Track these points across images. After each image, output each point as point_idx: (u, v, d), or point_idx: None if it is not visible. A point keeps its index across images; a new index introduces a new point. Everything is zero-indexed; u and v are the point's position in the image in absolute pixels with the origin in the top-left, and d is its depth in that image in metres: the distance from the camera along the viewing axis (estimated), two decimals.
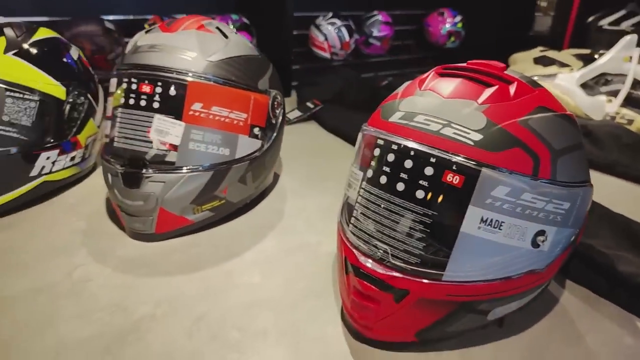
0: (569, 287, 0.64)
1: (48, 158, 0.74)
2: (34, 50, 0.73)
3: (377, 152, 0.51)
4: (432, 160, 0.46)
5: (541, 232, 0.48)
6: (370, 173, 0.51)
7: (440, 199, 0.46)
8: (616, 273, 0.61)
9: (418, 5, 3.32)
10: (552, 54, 1.78)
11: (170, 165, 0.66)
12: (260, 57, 0.76)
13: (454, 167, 0.45)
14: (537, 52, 1.84)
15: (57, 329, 0.53)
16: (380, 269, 0.48)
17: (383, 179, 0.49)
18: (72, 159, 0.79)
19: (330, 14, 2.77)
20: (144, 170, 0.66)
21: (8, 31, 0.72)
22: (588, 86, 1.41)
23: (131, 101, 0.66)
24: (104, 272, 0.63)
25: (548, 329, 0.56)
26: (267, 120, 0.74)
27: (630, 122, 1.27)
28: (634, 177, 0.96)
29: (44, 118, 0.73)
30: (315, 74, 2.98)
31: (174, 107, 0.65)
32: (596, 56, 1.53)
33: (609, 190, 0.83)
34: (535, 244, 0.48)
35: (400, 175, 0.48)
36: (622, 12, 3.31)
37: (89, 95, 0.80)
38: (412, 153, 0.47)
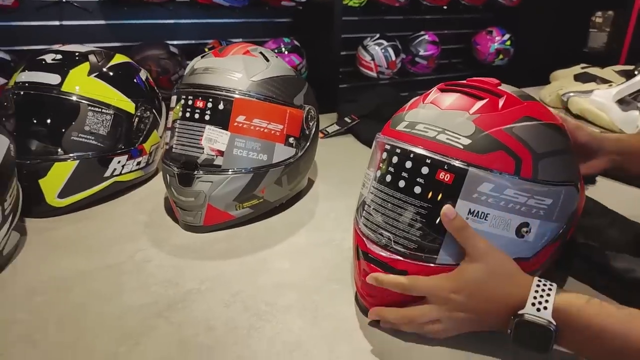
0: (571, 283, 0.69)
1: (119, 162, 0.89)
2: (111, 73, 0.88)
3: (384, 155, 0.60)
4: (428, 161, 0.55)
5: (525, 224, 0.55)
6: (378, 173, 0.61)
7: (433, 194, 0.55)
8: (612, 269, 0.66)
9: (467, 25, 3.38)
10: (594, 70, 1.79)
11: (217, 168, 0.78)
12: (297, 77, 0.88)
13: (445, 167, 0.54)
14: (578, 68, 1.85)
15: (121, 297, 0.66)
16: (384, 253, 0.58)
17: (388, 178, 0.59)
18: (139, 163, 0.93)
19: (377, 35, 2.89)
20: (195, 172, 0.78)
21: (91, 57, 0.87)
22: (625, 102, 1.43)
23: (187, 114, 0.79)
24: (160, 256, 0.75)
25: None
26: (301, 131, 0.85)
27: None
28: None
29: (117, 128, 0.87)
30: (359, 92, 3.09)
31: (221, 119, 0.78)
32: (636, 72, 1.54)
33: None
34: (519, 234, 0.55)
35: (402, 174, 0.57)
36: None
37: (153, 110, 0.95)
38: (411, 155, 0.56)
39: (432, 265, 0.56)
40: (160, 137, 0.99)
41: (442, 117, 0.58)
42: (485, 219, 0.54)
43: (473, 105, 0.58)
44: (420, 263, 0.56)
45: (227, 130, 0.78)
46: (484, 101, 0.58)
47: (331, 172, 1.07)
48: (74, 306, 0.64)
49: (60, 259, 0.74)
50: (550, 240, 0.58)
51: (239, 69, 0.80)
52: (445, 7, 3.02)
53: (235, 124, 0.78)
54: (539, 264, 0.59)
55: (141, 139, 0.93)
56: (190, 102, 0.80)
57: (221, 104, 0.78)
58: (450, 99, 0.59)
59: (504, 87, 0.61)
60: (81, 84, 0.84)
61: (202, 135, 0.78)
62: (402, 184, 0.57)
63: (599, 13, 3.67)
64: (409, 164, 0.57)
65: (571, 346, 0.51)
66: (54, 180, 0.82)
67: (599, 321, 0.48)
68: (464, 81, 0.63)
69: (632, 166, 0.75)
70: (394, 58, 2.86)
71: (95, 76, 0.86)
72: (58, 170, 0.82)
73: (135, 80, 0.93)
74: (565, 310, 0.49)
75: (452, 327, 0.56)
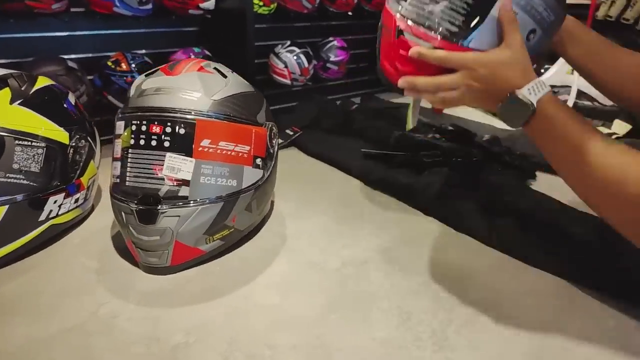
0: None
1: (55, 202, 0.76)
2: (37, 99, 0.75)
3: None
4: None
5: (533, 30, 0.63)
6: None
7: None
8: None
9: (371, 30, 3.47)
10: None
11: (183, 199, 0.70)
12: (256, 93, 0.81)
13: None
14: None
15: None
16: (428, 32, 0.61)
17: None
18: (76, 201, 0.81)
19: (288, 42, 2.86)
20: (158, 207, 0.69)
21: (12, 82, 0.74)
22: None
23: (141, 142, 0.70)
24: (128, 307, 0.65)
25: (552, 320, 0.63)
26: (266, 151, 0.79)
27: None
28: None
29: (50, 163, 0.75)
30: (278, 100, 3.05)
31: (184, 145, 0.70)
32: (542, 70, 1.67)
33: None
34: (527, 38, 0.63)
35: None
36: None
37: (88, 138, 0.83)
38: None
39: (465, 47, 0.60)
40: (97, 168, 0.87)
41: None
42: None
43: None
44: (455, 44, 0.61)
45: (191, 156, 0.70)
46: None
47: (286, 188, 1.02)
48: None
49: (6, 327, 0.61)
50: (540, 50, 0.66)
51: (196, 88, 0.72)
52: (350, 14, 3.08)
53: (200, 148, 0.70)
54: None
55: (78, 172, 0.81)
56: (143, 128, 0.70)
57: (182, 127, 0.70)
58: None
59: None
60: (3, 114, 0.71)
61: (162, 165, 0.69)
62: None
63: None
64: None
65: (535, 133, 0.62)
66: None
67: (567, 126, 0.59)
68: None
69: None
70: (306, 65, 2.85)
71: (19, 104, 0.73)
72: None
73: (64, 105, 0.81)
74: (548, 104, 0.59)
75: (465, 97, 0.63)
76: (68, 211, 0.80)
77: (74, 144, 0.79)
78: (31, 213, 0.74)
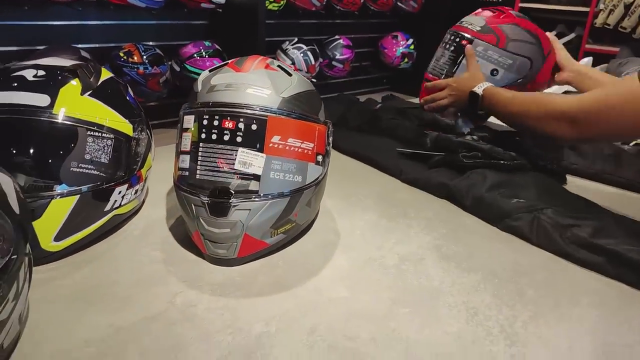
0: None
1: (119, 192, 0.77)
2: (104, 91, 0.76)
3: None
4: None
5: (495, 69, 1.16)
6: None
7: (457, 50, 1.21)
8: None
9: (375, 29, 3.51)
10: None
11: (253, 194, 0.71)
12: (316, 92, 0.83)
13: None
14: None
15: (187, 353, 0.57)
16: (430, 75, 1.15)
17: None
18: (136, 192, 0.82)
19: (296, 39, 2.87)
20: (231, 200, 0.70)
21: (81, 73, 0.74)
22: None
23: (213, 136, 0.71)
24: (204, 297, 0.67)
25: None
26: (325, 148, 0.81)
27: None
28: (618, 183, 1.11)
29: (118, 154, 0.76)
30: None
31: (256, 141, 0.71)
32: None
33: (599, 196, 0.96)
34: (492, 74, 1.17)
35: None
36: (553, 33, 3.66)
37: (148, 131, 0.84)
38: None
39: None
40: (153, 160, 0.88)
41: None
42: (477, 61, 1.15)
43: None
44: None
45: (262, 152, 0.72)
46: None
47: (329, 186, 1.04)
48: None
49: (86, 316, 0.62)
50: (513, 81, 1.17)
51: (266, 85, 0.74)
52: (356, 13, 3.10)
53: (271, 144, 0.72)
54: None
55: (139, 164, 0.81)
56: (215, 123, 0.72)
57: (254, 123, 0.71)
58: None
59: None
60: (75, 105, 0.71)
61: (233, 159, 0.71)
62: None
63: None
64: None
65: (489, 107, 1.08)
66: (51, 221, 0.69)
67: (501, 93, 1.06)
68: None
69: (584, 86, 1.15)
70: (313, 62, 2.86)
71: (89, 95, 0.74)
72: (56, 209, 0.69)
73: (127, 97, 0.82)
74: (487, 89, 1.08)
75: (450, 101, 1.18)
76: (129, 202, 0.81)
77: (136, 135, 0.80)
78: (98, 203, 0.75)
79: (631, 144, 1.39)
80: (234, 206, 0.71)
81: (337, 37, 3.14)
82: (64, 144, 0.70)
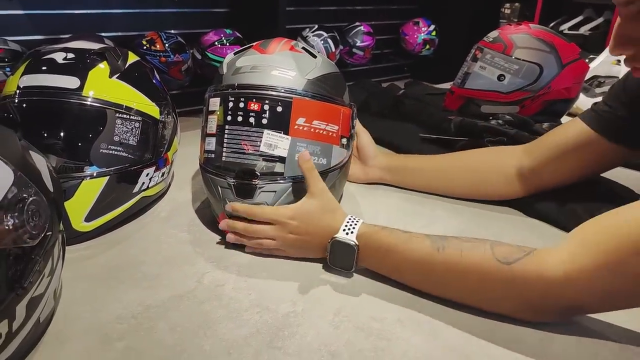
0: None
1: (147, 175, 0.78)
2: (132, 74, 0.77)
3: None
4: None
5: (502, 75, 1.19)
6: None
7: None
8: None
9: (395, 16, 3.47)
10: None
11: (279, 175, 0.72)
12: (340, 74, 0.83)
13: None
14: None
15: (216, 330, 0.58)
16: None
17: None
18: (163, 175, 0.83)
19: (316, 26, 2.86)
20: (257, 182, 0.71)
21: (109, 55, 0.75)
22: (583, 88, 1.55)
23: (239, 118, 0.72)
24: (231, 278, 0.68)
25: None
26: (349, 131, 0.81)
27: None
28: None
29: (145, 137, 0.77)
30: None
31: (281, 123, 0.72)
32: (587, 60, 1.67)
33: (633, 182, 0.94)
34: (499, 79, 1.18)
35: None
36: (580, 18, 3.58)
37: (173, 114, 0.85)
38: None
39: None
40: (179, 144, 0.89)
41: None
42: (484, 69, 1.19)
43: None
44: None
45: (287, 134, 0.72)
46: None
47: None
48: (167, 349, 0.55)
49: (117, 293, 0.63)
50: (520, 87, 1.17)
51: (291, 67, 0.74)
52: None
53: (296, 127, 0.72)
54: (514, 98, 1.20)
55: (166, 146, 0.82)
56: (241, 105, 0.72)
57: (279, 105, 0.71)
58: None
59: None
60: (104, 87, 0.73)
61: (259, 141, 0.71)
62: None
63: (508, 5, 3.97)
64: None
65: (369, 262, 0.67)
66: (81, 202, 0.71)
67: (388, 241, 0.65)
68: None
69: (408, 180, 0.95)
70: (333, 49, 2.84)
71: (117, 78, 0.75)
72: (86, 190, 0.71)
73: (153, 80, 0.83)
74: (365, 234, 0.66)
75: (285, 246, 0.70)
76: (156, 184, 0.82)
77: (163, 118, 0.81)
78: (127, 184, 0.76)
79: None
80: (260, 188, 0.71)
81: (357, 23, 3.11)
82: (94, 126, 0.72)
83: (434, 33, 3.45)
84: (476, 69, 1.22)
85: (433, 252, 0.61)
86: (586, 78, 1.59)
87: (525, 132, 1.07)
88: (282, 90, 0.72)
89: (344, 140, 0.79)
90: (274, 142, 0.71)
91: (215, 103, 0.75)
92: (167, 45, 2.27)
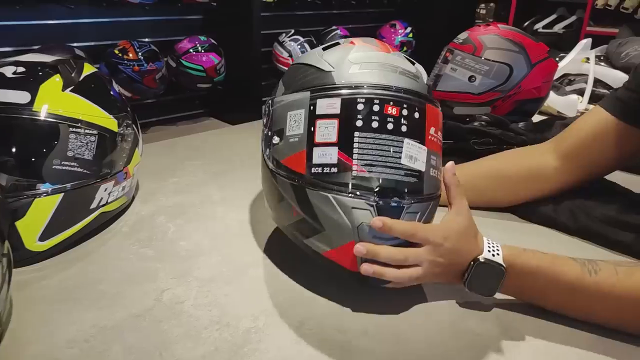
0: None
1: (106, 189, 0.76)
2: (88, 86, 0.75)
3: None
4: None
5: (473, 76, 1.15)
6: None
7: None
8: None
9: (372, 19, 3.48)
10: None
11: (419, 194, 0.61)
12: None
13: None
14: None
15: (172, 350, 0.56)
16: None
17: None
18: (123, 188, 0.81)
19: (292, 31, 2.85)
20: (405, 201, 0.59)
21: (62, 68, 0.73)
22: (554, 87, 1.56)
23: (374, 124, 0.60)
24: (192, 294, 0.65)
25: None
26: None
27: None
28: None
29: (102, 151, 0.74)
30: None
31: (418, 131, 0.61)
32: (557, 59, 1.68)
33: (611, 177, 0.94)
34: (470, 80, 1.15)
35: None
36: (553, 16, 3.63)
37: (134, 126, 0.82)
38: None
39: None
40: (141, 156, 0.87)
41: None
42: (455, 71, 1.17)
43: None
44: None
45: (424, 144, 0.61)
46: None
47: None
48: None
49: (72, 315, 0.61)
50: (491, 88, 1.16)
51: (413, 69, 0.65)
52: (354, 2, 3.07)
53: (429, 137, 0.62)
54: (486, 99, 1.15)
55: (125, 160, 0.80)
56: (376, 109, 0.60)
57: (417, 112, 0.61)
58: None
59: None
60: (56, 101, 0.70)
61: (400, 152, 0.60)
62: None
63: (483, 5, 4.00)
64: None
65: (509, 286, 0.60)
66: (34, 220, 0.68)
67: (533, 264, 0.59)
68: None
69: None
70: None
71: (71, 91, 0.72)
72: (39, 208, 0.68)
73: (111, 92, 0.80)
74: (510, 256, 0.60)
75: (427, 273, 0.59)
76: (116, 199, 0.79)
77: (122, 131, 0.78)
78: (84, 201, 0.73)
79: None
80: (406, 208, 0.60)
81: (334, 27, 3.11)
82: (46, 142, 0.69)
83: (410, 35, 3.48)
84: (447, 70, 1.21)
85: (584, 276, 0.58)
86: (557, 76, 1.60)
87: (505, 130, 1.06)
88: (417, 95, 0.62)
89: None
90: (415, 154, 0.60)
91: (332, 105, 0.61)
92: (140, 53, 2.24)
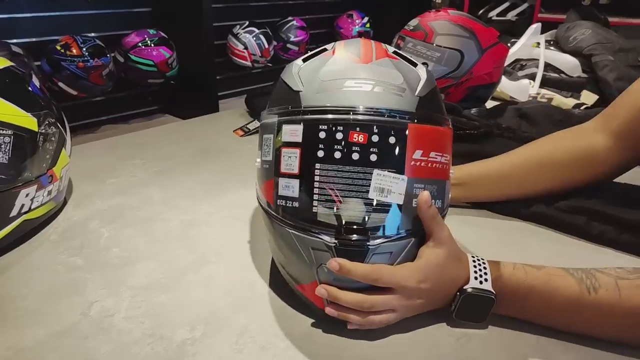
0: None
1: (27, 195, 0.69)
2: (1, 82, 0.68)
3: None
4: None
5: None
6: None
7: None
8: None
9: (329, 9, 3.44)
10: None
11: (393, 230, 0.54)
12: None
13: None
14: None
15: None
16: None
17: None
18: (49, 193, 0.74)
19: (247, 23, 2.78)
20: (369, 241, 0.53)
21: None
22: (506, 72, 1.56)
23: (337, 154, 0.52)
24: (123, 305, 0.60)
25: None
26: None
27: (550, 100, 1.43)
28: None
29: (20, 153, 0.67)
30: (239, 83, 2.96)
31: (394, 159, 0.53)
32: (509, 44, 1.69)
33: None
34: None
35: None
36: (506, 4, 3.68)
37: (58, 124, 0.76)
38: None
39: None
40: (69, 157, 0.80)
41: None
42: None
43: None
44: None
45: (402, 173, 0.53)
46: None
47: None
48: None
49: None
50: (441, 76, 1.14)
51: (399, 81, 0.55)
52: None
53: (412, 162, 0.53)
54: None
55: (50, 161, 0.73)
56: (339, 136, 0.52)
57: (392, 135, 0.52)
58: None
59: None
60: None
61: (366, 185, 0.52)
62: None
63: None
64: None
65: (505, 310, 0.56)
66: None
67: (526, 284, 0.55)
68: None
69: (475, 193, 0.82)
70: (267, 46, 2.78)
71: None
72: None
73: (29, 88, 0.73)
74: (499, 279, 0.55)
75: (405, 315, 0.56)
76: (41, 205, 0.73)
77: (43, 130, 0.72)
78: (1, 209, 0.67)
79: (582, 107, 1.37)
80: (372, 249, 0.53)
81: (290, 18, 3.06)
82: None
83: (367, 25, 3.47)
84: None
85: (582, 295, 0.53)
86: (509, 62, 1.60)
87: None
88: (395, 115, 0.53)
89: (452, 172, 0.60)
90: (387, 186, 0.53)
91: (294, 132, 0.54)
92: (84, 49, 2.13)
